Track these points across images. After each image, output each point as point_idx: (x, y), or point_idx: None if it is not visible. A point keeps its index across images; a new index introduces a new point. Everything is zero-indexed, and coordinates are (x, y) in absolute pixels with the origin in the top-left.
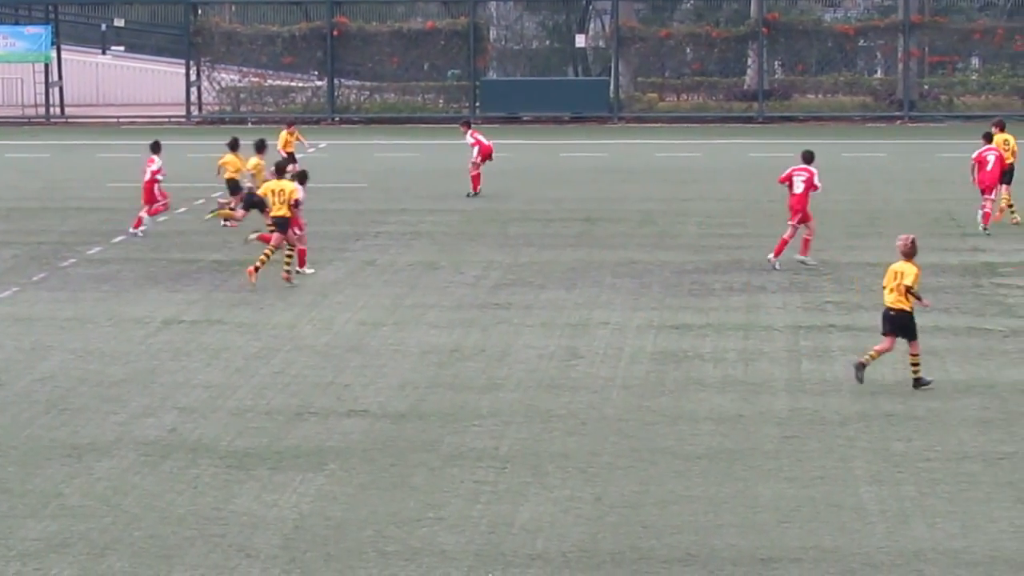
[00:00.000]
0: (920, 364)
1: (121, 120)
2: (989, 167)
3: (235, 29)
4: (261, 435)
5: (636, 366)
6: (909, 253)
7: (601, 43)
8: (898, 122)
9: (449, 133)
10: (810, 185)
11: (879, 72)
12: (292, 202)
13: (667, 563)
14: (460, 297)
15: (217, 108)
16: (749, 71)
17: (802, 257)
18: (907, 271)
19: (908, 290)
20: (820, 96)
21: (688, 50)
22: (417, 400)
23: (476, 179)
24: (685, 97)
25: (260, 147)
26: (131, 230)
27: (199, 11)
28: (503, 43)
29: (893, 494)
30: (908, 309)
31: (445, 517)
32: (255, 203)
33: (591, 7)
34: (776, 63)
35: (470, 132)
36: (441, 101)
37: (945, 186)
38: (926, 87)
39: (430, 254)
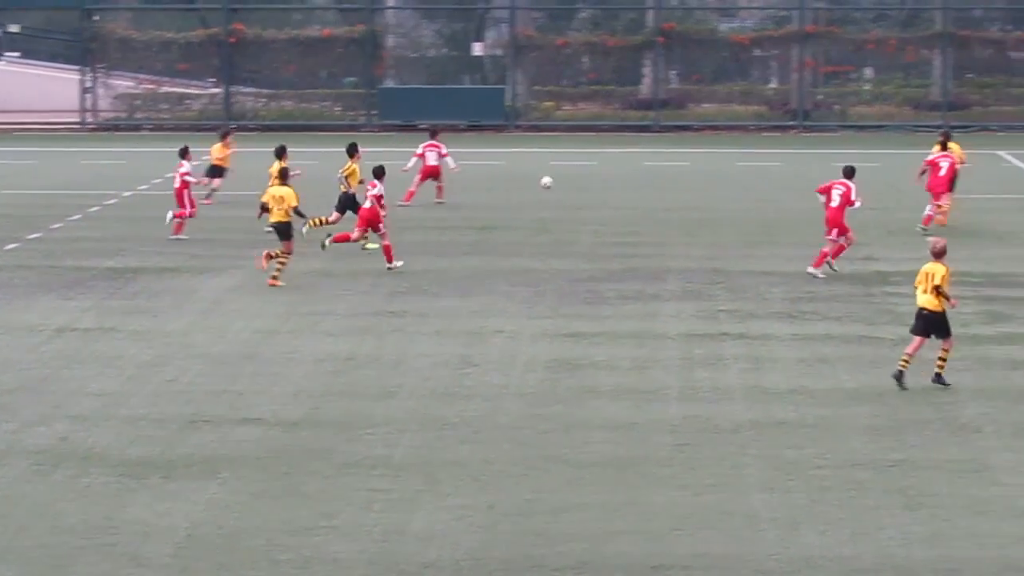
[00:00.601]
0: (946, 363)
1: (14, 127)
2: (942, 172)
3: (130, 35)
4: (154, 444)
5: (530, 374)
6: (940, 253)
7: (498, 51)
8: (792, 131)
9: (346, 141)
10: (847, 200)
11: (774, 82)
12: (291, 208)
13: (559, 571)
14: (355, 305)
15: (112, 115)
16: (645, 80)
17: (813, 270)
18: (937, 271)
19: (937, 289)
20: (715, 105)
21: (585, 59)
22: (311, 408)
23: (434, 190)
24: (581, 106)
25: (352, 151)
26: (171, 236)
27: (94, 17)
28: (400, 51)
29: (784, 501)
30: (941, 309)
31: (338, 525)
32: (348, 205)
33: (488, 16)
34: (672, 72)
35: (429, 144)
36: (338, 109)
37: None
38: (820, 97)
39: (325, 262)
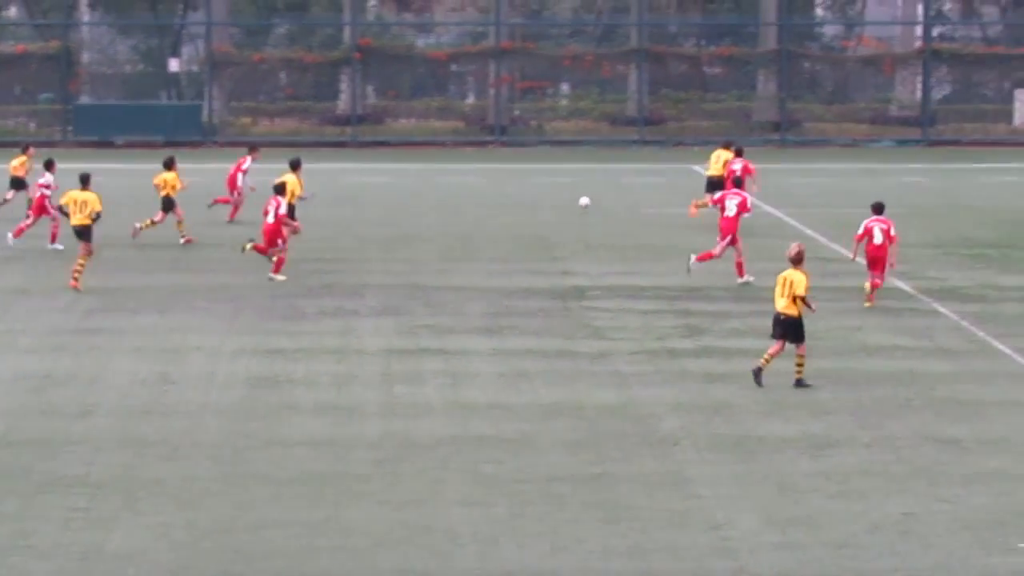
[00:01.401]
0: (804, 366)
1: None
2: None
3: None
4: None
5: (230, 391)
6: (798, 259)
7: (195, 67)
8: (489, 146)
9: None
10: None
11: (471, 97)
12: (94, 212)
13: None
14: (52, 323)
15: None
16: (342, 96)
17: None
18: (796, 279)
19: (801, 298)
20: (413, 121)
21: (282, 75)
22: (8, 427)
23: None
24: (279, 121)
25: (295, 165)
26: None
27: None
28: (96, 67)
29: (484, 516)
30: (797, 315)
31: (35, 545)
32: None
33: (184, 31)
34: (369, 88)
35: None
36: (33, 125)
37: (538, 210)
38: (517, 112)
39: (21, 280)
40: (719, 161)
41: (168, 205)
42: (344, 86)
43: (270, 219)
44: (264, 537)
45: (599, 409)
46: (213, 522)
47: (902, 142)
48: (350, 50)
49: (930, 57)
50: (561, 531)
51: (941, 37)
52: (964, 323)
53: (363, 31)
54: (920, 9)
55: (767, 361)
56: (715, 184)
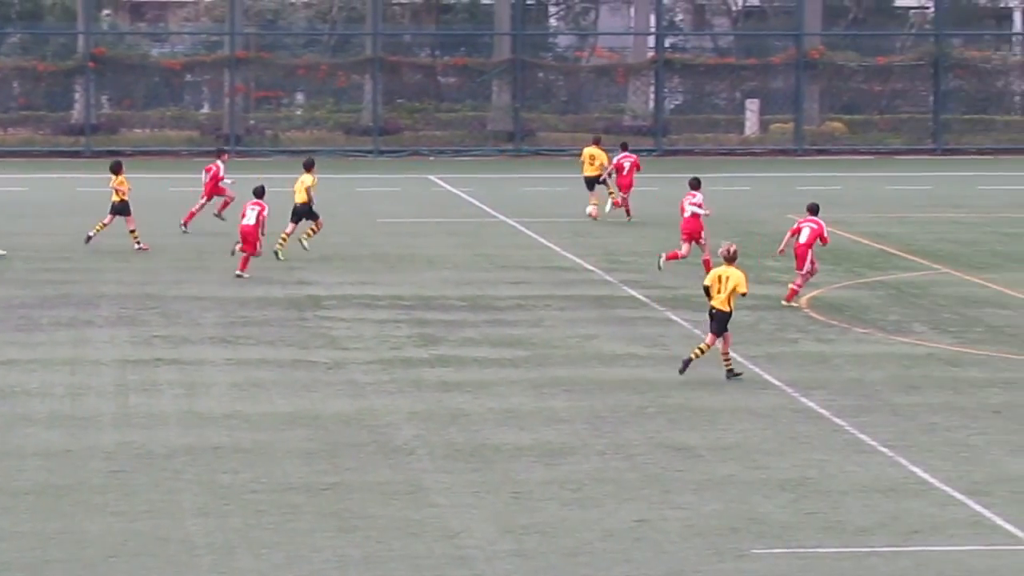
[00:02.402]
0: (730, 357)
1: None
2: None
3: None
4: None
5: None
6: (733, 257)
7: None
8: (226, 156)
9: None
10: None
11: (206, 107)
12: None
13: None
14: None
15: None
16: (77, 105)
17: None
18: (733, 275)
19: (742, 294)
20: (148, 130)
21: (15, 84)
22: None
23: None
24: (12, 131)
25: (309, 166)
26: None
27: None
28: None
29: (220, 526)
30: (730, 310)
31: None
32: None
33: None
34: (104, 98)
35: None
36: None
37: (275, 220)
38: (252, 122)
39: None
40: (593, 161)
41: (120, 209)
42: (78, 95)
43: (249, 221)
44: None
45: (335, 418)
46: None
47: (635, 151)
48: (84, 59)
49: (662, 67)
50: (297, 541)
51: (673, 48)
52: (697, 331)
53: (97, 40)
54: (652, 20)
55: (699, 355)
56: (591, 183)
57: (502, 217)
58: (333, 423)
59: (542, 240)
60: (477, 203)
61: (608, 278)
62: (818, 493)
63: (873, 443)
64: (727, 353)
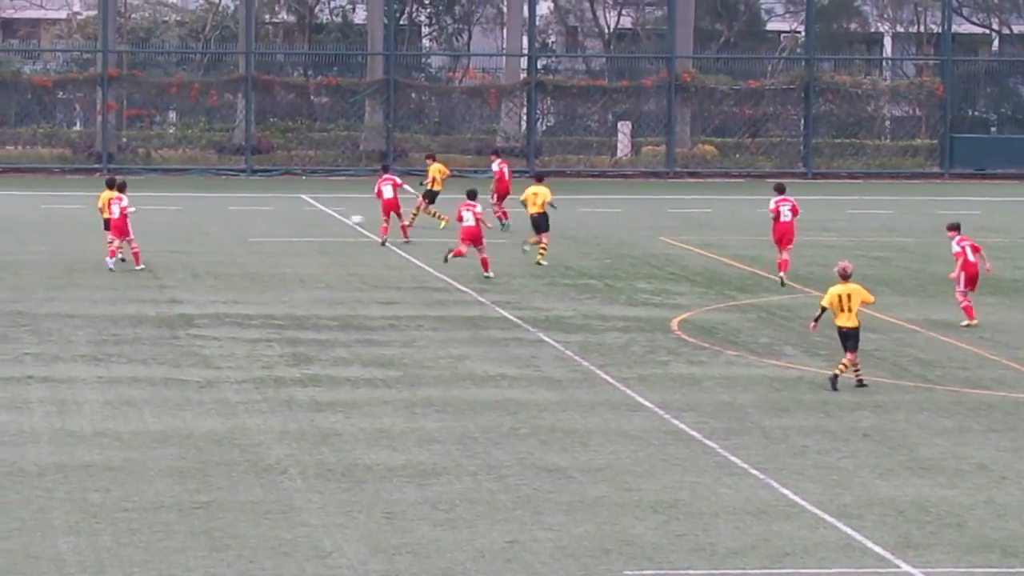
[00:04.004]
0: (859, 369)
1: None
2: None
3: None
4: None
5: None
6: (847, 276)
7: None
8: (97, 174)
9: None
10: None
11: (78, 124)
12: None
13: None
14: None
15: None
16: None
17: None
18: (855, 292)
19: (871, 303)
20: (20, 147)
21: None
22: None
23: None
24: None
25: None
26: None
27: None
28: None
29: (91, 544)
30: (857, 325)
31: None
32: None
33: None
34: None
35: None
36: None
37: (145, 237)
38: (125, 140)
39: None
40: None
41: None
42: None
43: (470, 222)
44: None
45: (206, 437)
46: None
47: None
48: None
49: (535, 89)
50: (168, 559)
51: (546, 69)
52: (568, 352)
53: None
54: (525, 41)
55: (843, 369)
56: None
57: (374, 237)
58: (204, 442)
59: (415, 260)
60: (349, 223)
61: (480, 299)
62: (689, 515)
63: (744, 465)
64: (856, 366)
